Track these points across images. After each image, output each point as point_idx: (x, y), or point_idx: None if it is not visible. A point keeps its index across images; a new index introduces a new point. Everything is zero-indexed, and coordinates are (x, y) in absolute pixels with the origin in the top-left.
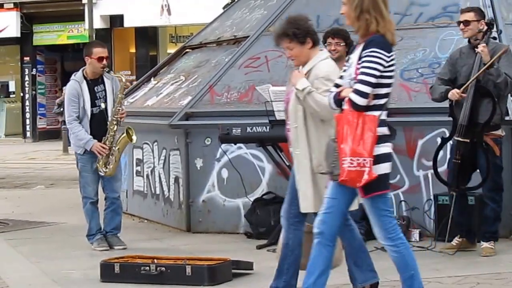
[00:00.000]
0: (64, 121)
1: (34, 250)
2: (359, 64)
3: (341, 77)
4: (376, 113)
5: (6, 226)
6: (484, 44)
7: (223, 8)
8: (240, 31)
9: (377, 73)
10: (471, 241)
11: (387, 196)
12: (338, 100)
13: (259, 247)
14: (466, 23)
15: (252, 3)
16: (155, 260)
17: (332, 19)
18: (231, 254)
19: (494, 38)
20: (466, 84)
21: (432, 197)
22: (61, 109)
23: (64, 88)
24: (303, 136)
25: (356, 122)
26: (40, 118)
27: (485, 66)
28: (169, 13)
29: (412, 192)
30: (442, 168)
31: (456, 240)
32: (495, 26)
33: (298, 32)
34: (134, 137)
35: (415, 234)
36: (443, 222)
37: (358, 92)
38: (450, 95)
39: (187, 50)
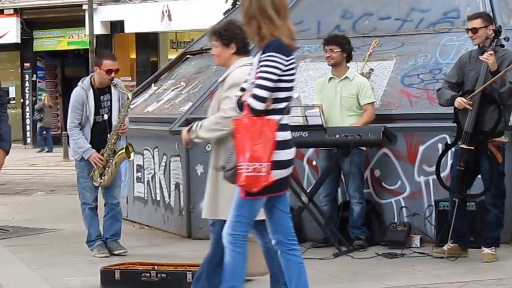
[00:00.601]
0: (42, 127)
1: (34, 257)
2: (257, 68)
3: (246, 81)
4: (276, 117)
5: (6, 233)
6: (491, 52)
7: (224, 14)
8: None
9: (274, 77)
10: (463, 247)
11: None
12: (241, 105)
13: None
14: (474, 30)
15: None
16: (156, 267)
17: (333, 25)
18: None
19: (502, 46)
20: (473, 94)
21: (433, 203)
22: (41, 115)
23: (44, 94)
24: (213, 143)
25: (254, 127)
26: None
27: (494, 79)
28: (170, 19)
29: (413, 198)
30: (444, 174)
31: (447, 245)
32: (502, 33)
33: (223, 34)
34: (132, 155)
35: (416, 240)
36: (444, 228)
37: (255, 97)
38: (456, 104)
39: (188, 56)
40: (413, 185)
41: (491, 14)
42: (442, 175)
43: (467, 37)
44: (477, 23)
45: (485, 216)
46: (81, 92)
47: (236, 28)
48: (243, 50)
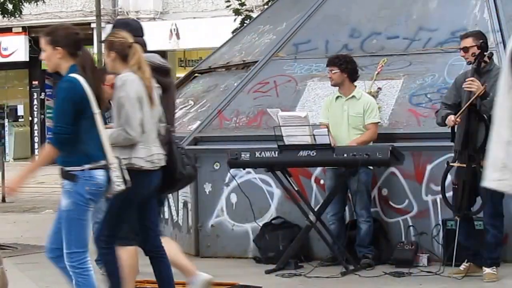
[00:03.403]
0: None
1: (42, 275)
2: None
3: None
4: None
5: (14, 251)
6: (472, 78)
7: (232, 32)
8: (249, 55)
9: None
10: (478, 265)
11: None
12: None
13: (268, 272)
14: (465, 49)
15: (261, 28)
16: None
17: (341, 44)
18: (240, 279)
19: (486, 61)
20: (460, 113)
21: (440, 222)
22: None
23: None
24: None
25: None
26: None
27: (474, 97)
28: (178, 37)
29: (420, 217)
30: (451, 193)
31: (463, 265)
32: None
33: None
34: None
35: (424, 259)
36: (451, 247)
37: None
38: (447, 121)
39: (196, 74)
40: (420, 204)
41: (499, 32)
42: (448, 194)
43: None
44: (468, 42)
45: (485, 237)
46: None
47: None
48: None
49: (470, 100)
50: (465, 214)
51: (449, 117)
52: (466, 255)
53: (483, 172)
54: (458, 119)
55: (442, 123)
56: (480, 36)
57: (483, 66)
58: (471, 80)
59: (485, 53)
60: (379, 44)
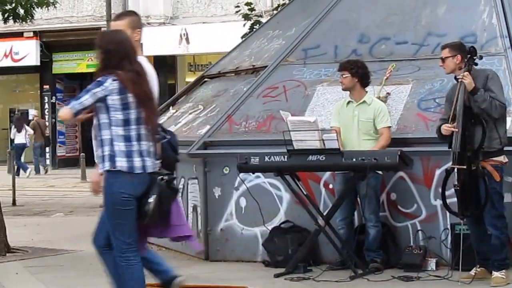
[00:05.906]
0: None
1: (53, 278)
2: None
3: None
4: None
5: (25, 254)
6: (466, 73)
7: (242, 37)
8: (259, 60)
9: None
10: (489, 270)
11: None
12: None
13: (277, 276)
14: (442, 60)
15: (271, 33)
16: None
17: (350, 49)
18: (249, 283)
19: (476, 64)
20: (451, 115)
21: (449, 227)
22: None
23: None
24: None
25: None
26: (59, 146)
27: (457, 94)
28: (188, 42)
29: (429, 221)
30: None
31: (475, 270)
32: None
33: None
34: None
35: (432, 263)
36: (459, 252)
37: None
38: (443, 131)
39: (206, 79)
40: (429, 208)
41: (507, 38)
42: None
43: (483, 62)
44: (444, 53)
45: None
46: None
47: None
48: None
49: (455, 102)
50: (468, 216)
51: (443, 127)
52: (478, 260)
53: (486, 173)
54: (453, 129)
55: (441, 136)
56: (458, 47)
57: (473, 69)
58: (465, 75)
59: (474, 57)
60: (388, 49)
